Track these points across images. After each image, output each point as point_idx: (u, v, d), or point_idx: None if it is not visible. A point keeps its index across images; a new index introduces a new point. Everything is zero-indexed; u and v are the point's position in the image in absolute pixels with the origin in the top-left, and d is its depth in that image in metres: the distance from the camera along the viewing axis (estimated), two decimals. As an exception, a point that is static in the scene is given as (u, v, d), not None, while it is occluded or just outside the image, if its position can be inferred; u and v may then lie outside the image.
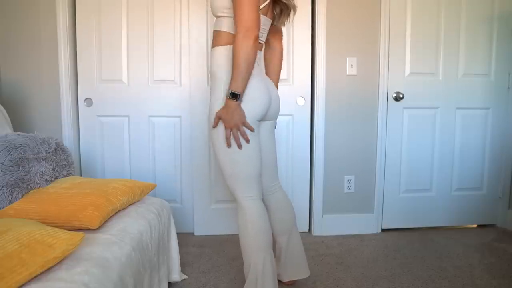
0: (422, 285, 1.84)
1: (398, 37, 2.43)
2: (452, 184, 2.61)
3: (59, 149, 1.75)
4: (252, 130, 1.45)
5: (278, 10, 1.57)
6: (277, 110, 1.66)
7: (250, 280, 1.50)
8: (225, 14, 1.46)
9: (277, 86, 1.70)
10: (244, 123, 1.43)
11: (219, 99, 1.44)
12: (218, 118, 1.43)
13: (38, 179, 1.57)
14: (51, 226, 1.17)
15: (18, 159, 1.52)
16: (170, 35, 2.39)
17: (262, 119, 1.55)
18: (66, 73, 2.33)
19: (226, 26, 1.46)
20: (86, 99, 2.40)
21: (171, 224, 1.78)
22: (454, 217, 2.63)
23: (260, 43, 1.54)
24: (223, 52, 1.46)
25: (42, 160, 1.63)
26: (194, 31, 2.37)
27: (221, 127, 1.44)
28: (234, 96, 1.37)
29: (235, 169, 1.48)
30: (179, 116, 2.46)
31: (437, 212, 2.61)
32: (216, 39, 1.50)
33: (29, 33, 2.30)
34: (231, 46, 1.42)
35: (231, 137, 1.43)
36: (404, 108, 2.50)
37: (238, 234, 1.56)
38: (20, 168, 1.51)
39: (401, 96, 2.45)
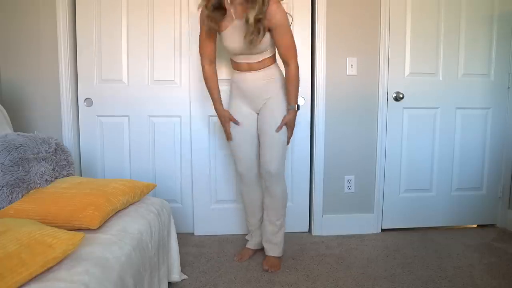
0: (422, 285, 1.84)
1: (398, 37, 2.43)
2: (452, 184, 2.61)
3: (59, 149, 1.75)
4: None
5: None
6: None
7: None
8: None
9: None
10: None
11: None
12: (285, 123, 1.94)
13: (38, 179, 1.57)
14: (51, 226, 1.17)
15: (18, 159, 1.52)
16: (170, 35, 2.39)
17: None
18: (66, 73, 2.33)
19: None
20: (86, 99, 2.40)
21: (171, 224, 1.78)
22: (454, 217, 2.63)
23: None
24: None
25: (42, 160, 1.63)
26: (194, 31, 2.36)
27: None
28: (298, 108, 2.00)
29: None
30: (179, 116, 2.46)
31: (437, 212, 2.61)
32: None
33: (29, 33, 2.30)
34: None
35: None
36: (404, 108, 2.50)
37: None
38: (20, 168, 1.51)
39: (401, 96, 2.45)
